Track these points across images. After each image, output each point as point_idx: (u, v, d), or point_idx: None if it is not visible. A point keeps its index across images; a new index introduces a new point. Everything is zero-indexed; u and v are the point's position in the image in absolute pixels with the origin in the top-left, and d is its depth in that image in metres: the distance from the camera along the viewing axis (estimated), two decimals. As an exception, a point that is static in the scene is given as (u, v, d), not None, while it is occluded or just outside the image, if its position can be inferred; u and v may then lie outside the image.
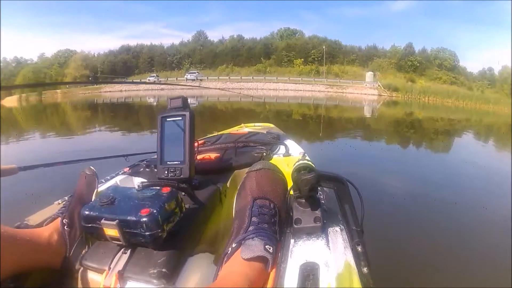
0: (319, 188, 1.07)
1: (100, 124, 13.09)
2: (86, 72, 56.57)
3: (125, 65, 60.84)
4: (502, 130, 13.19)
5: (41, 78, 53.95)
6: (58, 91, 47.72)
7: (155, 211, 0.86)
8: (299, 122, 12.48)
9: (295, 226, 0.97)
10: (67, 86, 50.23)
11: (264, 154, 1.74)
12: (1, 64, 58.35)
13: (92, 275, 0.89)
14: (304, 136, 8.37)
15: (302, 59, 55.17)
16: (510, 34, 52.63)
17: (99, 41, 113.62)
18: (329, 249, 0.90)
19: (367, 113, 18.83)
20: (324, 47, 54.21)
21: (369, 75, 45.80)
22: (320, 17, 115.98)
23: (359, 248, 0.98)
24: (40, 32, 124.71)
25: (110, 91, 45.09)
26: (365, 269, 0.94)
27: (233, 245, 0.88)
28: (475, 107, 31.14)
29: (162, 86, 44.87)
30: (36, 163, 1.66)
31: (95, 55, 64.85)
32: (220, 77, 50.06)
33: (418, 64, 52.65)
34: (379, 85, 41.67)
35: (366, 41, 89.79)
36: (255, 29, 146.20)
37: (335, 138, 8.64)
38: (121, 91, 44.91)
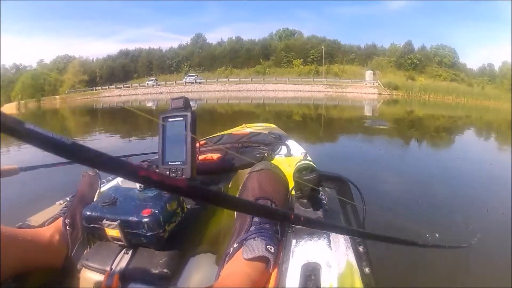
0: (320, 188, 1.07)
1: (101, 128, 13.10)
2: (84, 77, 56.63)
3: (124, 69, 60.84)
4: (502, 126, 13.16)
5: (41, 84, 54.06)
6: (57, 97, 47.96)
7: (156, 211, 0.86)
8: (299, 123, 12.47)
9: (297, 226, 0.97)
10: (66, 91, 50.49)
11: (266, 154, 1.73)
12: (0, 70, 58.45)
13: (93, 276, 0.89)
14: (304, 136, 8.35)
15: (301, 60, 55.15)
16: (509, 30, 52.37)
17: (97, 46, 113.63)
18: (331, 249, 0.89)
19: (367, 112, 18.77)
20: (323, 47, 54.13)
21: (368, 74, 45.75)
22: (317, 17, 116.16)
23: (360, 248, 0.98)
24: (39, 38, 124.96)
25: (109, 96, 45.21)
26: (366, 269, 0.95)
27: (235, 245, 0.89)
28: (476, 104, 31.09)
29: (161, 90, 44.98)
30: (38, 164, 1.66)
31: (94, 60, 64.91)
32: (219, 79, 50.11)
33: (417, 62, 52.58)
34: (379, 84, 41.60)
35: (365, 40, 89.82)
36: (253, 30, 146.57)
37: (335, 138, 8.62)
38: (119, 95, 45.01)
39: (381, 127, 9.68)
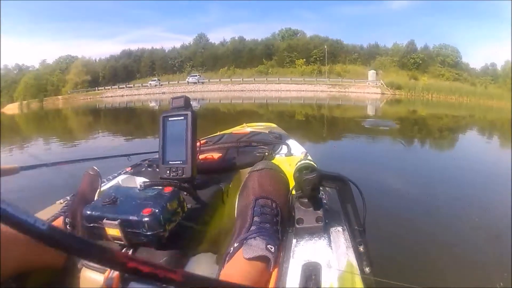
0: (321, 188, 1.07)
1: (103, 128, 13.14)
2: (87, 77, 56.70)
3: (126, 69, 60.85)
4: (505, 126, 13.11)
5: (43, 84, 54.27)
6: (60, 97, 48.14)
7: (157, 210, 0.86)
8: (302, 123, 12.46)
9: (297, 225, 0.97)
10: (69, 92, 50.67)
11: (266, 154, 1.74)
12: (3, 71, 58.64)
13: (93, 275, 0.89)
14: (307, 136, 8.35)
15: (304, 59, 54.90)
16: (510, 29, 52.12)
17: (100, 46, 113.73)
18: (331, 249, 0.89)
19: (370, 112, 18.76)
20: (325, 46, 53.95)
21: (371, 73, 45.60)
22: (320, 17, 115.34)
23: (361, 248, 0.98)
24: (41, 39, 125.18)
25: (111, 96, 45.37)
26: (367, 269, 0.94)
27: (235, 245, 0.89)
28: (479, 103, 30.95)
29: (164, 90, 45.00)
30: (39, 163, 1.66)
31: (96, 60, 64.88)
32: (221, 79, 50.17)
33: (420, 62, 52.32)
34: (381, 84, 41.50)
35: (368, 40, 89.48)
36: (255, 30, 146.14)
37: (337, 138, 8.60)
38: (122, 96, 45.18)
39: (385, 128, 9.59)
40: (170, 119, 1.18)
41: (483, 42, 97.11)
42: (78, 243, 0.27)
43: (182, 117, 1.15)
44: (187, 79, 49.67)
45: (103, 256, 0.28)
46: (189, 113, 1.14)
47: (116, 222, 0.85)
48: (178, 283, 0.31)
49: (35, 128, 15.39)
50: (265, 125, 3.25)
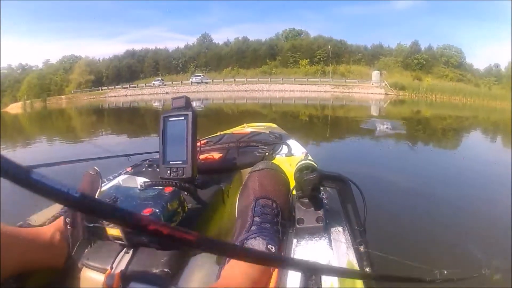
0: (321, 188, 1.07)
1: (106, 128, 13.16)
2: (90, 77, 56.75)
3: (130, 69, 60.90)
4: (508, 127, 13.05)
5: (46, 84, 54.38)
6: (63, 96, 48.27)
7: (157, 210, 0.86)
8: (305, 123, 12.46)
9: (298, 226, 0.97)
10: (72, 91, 50.79)
11: (267, 154, 1.74)
12: (7, 71, 58.76)
13: (94, 275, 0.89)
14: (309, 135, 8.35)
15: (308, 60, 54.81)
16: (510, 30, 51.69)
17: (103, 46, 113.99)
18: (332, 249, 0.89)
19: (374, 112, 18.70)
20: (329, 47, 53.78)
21: (375, 74, 45.53)
22: (323, 17, 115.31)
23: (361, 248, 0.98)
24: (42, 38, 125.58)
25: (115, 96, 45.43)
26: (367, 269, 0.94)
27: None
28: (483, 104, 30.85)
29: (167, 90, 44.97)
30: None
31: (100, 60, 64.87)
32: (225, 80, 50.19)
33: (424, 62, 52.19)
34: (385, 84, 41.40)
35: (372, 40, 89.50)
36: (258, 31, 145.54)
37: (339, 138, 8.59)
38: (125, 96, 45.22)
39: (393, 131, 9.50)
40: (170, 119, 1.19)
41: (487, 42, 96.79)
42: (106, 208, 0.28)
43: (183, 117, 1.15)
44: (190, 79, 49.75)
45: (127, 219, 0.29)
46: (189, 113, 1.14)
47: None
48: (194, 244, 0.32)
49: (38, 128, 15.43)
50: (265, 125, 3.26)
